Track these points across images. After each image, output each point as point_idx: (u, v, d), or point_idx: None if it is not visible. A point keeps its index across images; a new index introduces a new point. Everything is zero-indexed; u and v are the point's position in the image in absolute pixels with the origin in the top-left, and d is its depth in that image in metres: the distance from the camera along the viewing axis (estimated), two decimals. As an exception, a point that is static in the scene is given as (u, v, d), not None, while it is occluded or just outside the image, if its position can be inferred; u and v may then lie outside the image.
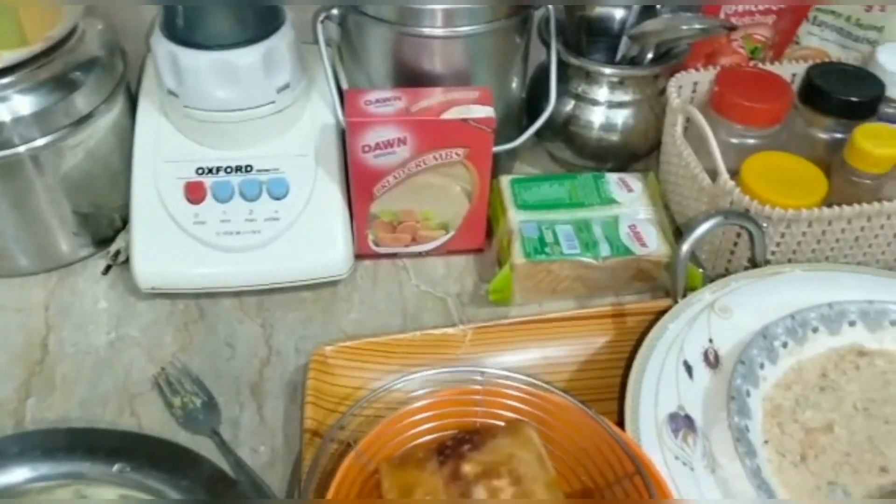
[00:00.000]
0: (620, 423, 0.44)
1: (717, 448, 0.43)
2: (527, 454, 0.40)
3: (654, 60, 0.66)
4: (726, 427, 0.43)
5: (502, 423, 0.44)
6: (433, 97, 0.57)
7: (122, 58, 0.62)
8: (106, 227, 0.64)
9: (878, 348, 0.50)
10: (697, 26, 0.59)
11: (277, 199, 0.60)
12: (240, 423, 0.53)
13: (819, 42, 0.74)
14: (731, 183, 0.56)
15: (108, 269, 0.63)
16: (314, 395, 0.50)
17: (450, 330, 0.55)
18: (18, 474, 0.37)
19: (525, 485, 0.39)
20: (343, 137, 0.61)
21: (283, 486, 0.49)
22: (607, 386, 0.51)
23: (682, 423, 0.44)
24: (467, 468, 0.40)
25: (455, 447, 0.41)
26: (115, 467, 0.38)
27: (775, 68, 0.66)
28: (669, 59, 0.66)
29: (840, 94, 0.61)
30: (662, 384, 0.45)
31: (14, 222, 0.60)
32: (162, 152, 0.60)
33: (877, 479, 0.43)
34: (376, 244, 0.63)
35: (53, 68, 0.56)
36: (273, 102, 0.59)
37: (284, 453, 0.51)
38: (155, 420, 0.52)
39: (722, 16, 0.69)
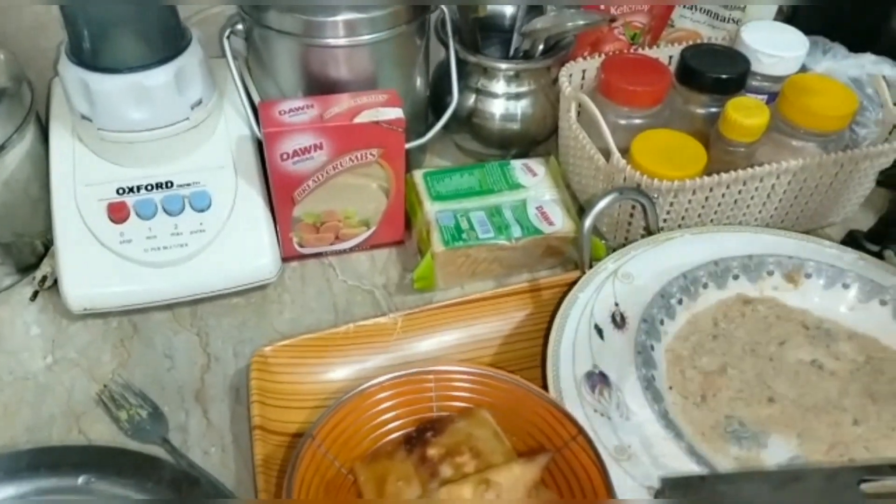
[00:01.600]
0: (544, 387, 0.49)
1: (630, 397, 0.48)
2: (483, 432, 0.45)
3: (545, 53, 0.71)
4: (636, 378, 0.48)
5: (456, 412, 0.48)
6: (344, 103, 0.60)
7: (29, 86, 0.63)
8: (29, 254, 0.65)
9: (759, 296, 0.57)
10: (581, 21, 0.65)
11: (201, 211, 0.62)
12: (188, 429, 0.55)
13: (691, 24, 0.80)
14: (623, 161, 0.62)
15: (35, 294, 0.64)
16: (259, 393, 0.53)
17: (381, 319, 0.58)
18: (-9, 497, 0.39)
19: (484, 457, 0.43)
20: (259, 146, 0.64)
21: (237, 484, 0.51)
22: (531, 355, 0.56)
23: (597, 379, 0.49)
24: (432, 451, 0.44)
25: (419, 436, 0.45)
26: (80, 479, 0.40)
27: (654, 52, 0.73)
28: (559, 50, 0.71)
29: (712, 73, 0.67)
30: (578, 347, 0.50)
31: (-68, 258, 0.60)
32: (80, 176, 0.61)
33: (766, 409, 0.49)
34: (301, 245, 0.66)
35: (-38, 102, 0.57)
36: (187, 119, 0.61)
37: (235, 452, 0.54)
38: (103, 436, 0.54)
39: (602, 8, 0.75)
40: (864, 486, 0.37)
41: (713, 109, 0.68)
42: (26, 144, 0.61)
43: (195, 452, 0.53)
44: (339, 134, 0.59)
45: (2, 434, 0.53)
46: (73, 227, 0.60)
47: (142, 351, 0.60)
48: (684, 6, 0.80)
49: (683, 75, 0.69)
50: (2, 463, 0.41)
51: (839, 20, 0.75)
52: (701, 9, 0.79)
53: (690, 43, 0.72)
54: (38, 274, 0.64)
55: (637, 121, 0.68)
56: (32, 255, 0.65)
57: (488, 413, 0.46)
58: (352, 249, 0.68)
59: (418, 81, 0.70)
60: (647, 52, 0.73)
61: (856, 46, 0.73)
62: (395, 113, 0.60)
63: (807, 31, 0.71)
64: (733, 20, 0.78)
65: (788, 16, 0.78)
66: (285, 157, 0.59)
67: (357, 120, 0.59)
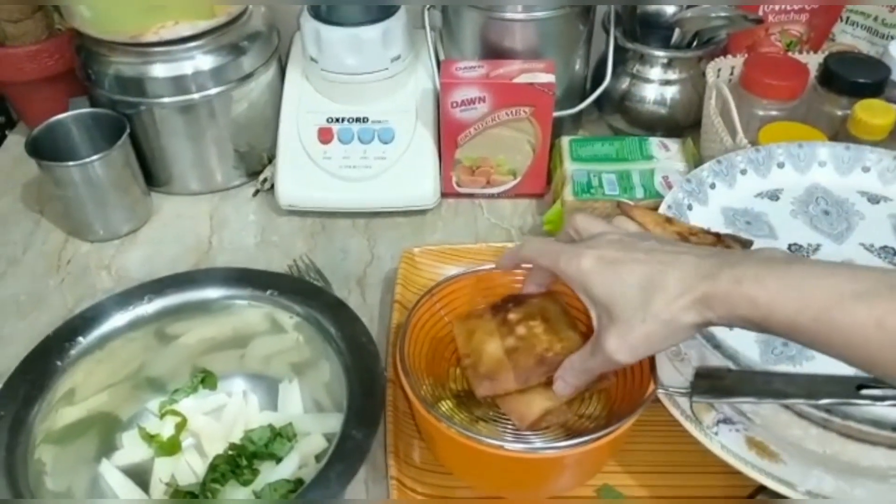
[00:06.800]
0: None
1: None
2: (554, 306, 0.55)
3: (698, 47, 0.80)
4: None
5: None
6: (508, 67, 0.73)
7: (277, 34, 0.82)
8: (256, 162, 0.84)
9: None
10: (723, 14, 0.73)
11: (385, 143, 0.78)
12: (348, 302, 0.70)
13: (851, 39, 0.85)
14: (745, 140, 0.69)
15: (256, 192, 0.83)
16: (403, 279, 0.67)
17: (508, 244, 0.71)
18: (211, 293, 0.57)
19: (551, 322, 0.53)
20: (438, 99, 0.79)
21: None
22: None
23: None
24: (512, 316, 0.55)
25: (504, 305, 0.56)
26: (268, 292, 0.56)
27: (804, 57, 0.79)
28: (710, 46, 0.80)
29: (850, 77, 0.73)
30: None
31: (190, 155, 0.81)
32: (303, 105, 0.79)
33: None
34: (458, 185, 0.80)
35: (229, 37, 0.77)
36: (387, 69, 0.78)
37: (378, 323, 0.69)
38: (287, 294, 0.71)
39: (760, 13, 0.82)
40: (863, 391, 0.43)
41: (849, 112, 0.74)
42: (269, 76, 0.81)
43: (349, 316, 0.69)
44: (498, 90, 0.72)
45: (218, 280, 0.72)
46: (291, 143, 0.78)
47: (325, 244, 0.77)
48: (846, 22, 0.85)
49: (824, 78, 0.75)
50: (222, 273, 0.58)
51: None
52: (862, 25, 0.84)
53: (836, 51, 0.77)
54: (261, 177, 0.83)
55: (773, 113, 0.75)
56: (259, 164, 0.84)
57: (561, 297, 0.56)
58: (499, 195, 0.81)
59: (578, 61, 0.82)
60: (799, 56, 0.79)
61: None
62: (548, 78, 0.72)
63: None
64: (893, 37, 0.82)
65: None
66: (454, 105, 0.74)
67: (515, 80, 0.72)
